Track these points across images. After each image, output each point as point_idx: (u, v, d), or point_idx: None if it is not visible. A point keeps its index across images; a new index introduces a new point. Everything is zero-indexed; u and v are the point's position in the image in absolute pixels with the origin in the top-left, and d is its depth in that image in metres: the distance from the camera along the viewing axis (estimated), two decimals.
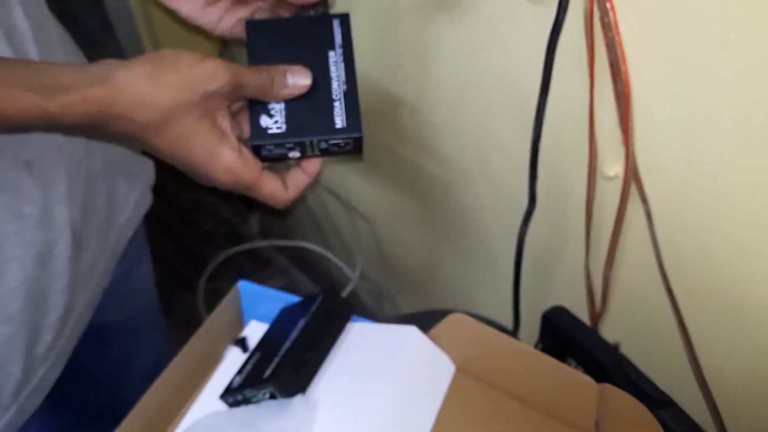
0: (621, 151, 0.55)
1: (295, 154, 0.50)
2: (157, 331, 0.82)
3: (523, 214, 0.65)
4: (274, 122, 0.49)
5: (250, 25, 0.52)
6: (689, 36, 0.48)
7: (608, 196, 0.60)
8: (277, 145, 0.49)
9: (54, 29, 0.55)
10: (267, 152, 0.49)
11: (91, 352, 0.63)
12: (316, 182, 0.57)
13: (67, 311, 0.56)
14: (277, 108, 0.49)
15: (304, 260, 1.31)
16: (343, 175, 1.06)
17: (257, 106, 0.49)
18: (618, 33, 0.51)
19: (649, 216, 0.57)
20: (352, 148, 0.50)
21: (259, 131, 0.49)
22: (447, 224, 0.88)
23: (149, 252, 0.75)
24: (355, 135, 0.49)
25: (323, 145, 0.49)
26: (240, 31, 0.53)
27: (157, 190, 0.69)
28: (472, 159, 0.76)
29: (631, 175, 0.56)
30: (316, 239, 1.27)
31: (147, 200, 0.67)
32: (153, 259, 0.76)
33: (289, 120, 0.49)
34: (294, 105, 0.50)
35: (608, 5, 0.50)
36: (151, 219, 0.69)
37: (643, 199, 0.57)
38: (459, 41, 0.68)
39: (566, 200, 0.65)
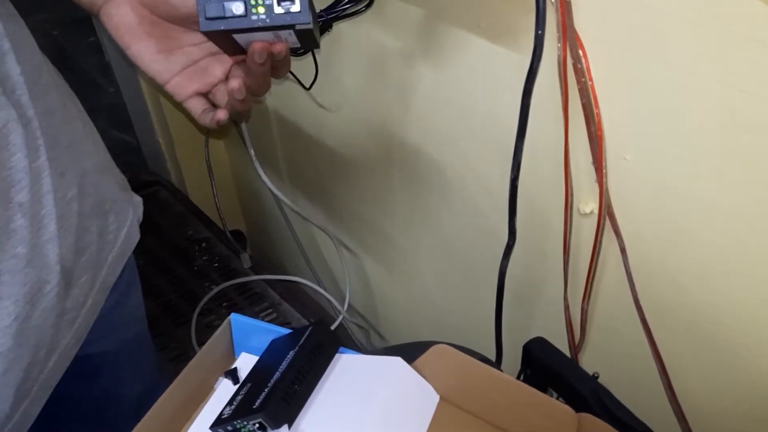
0: (595, 188, 0.57)
1: (238, 6, 0.47)
2: (145, 361, 0.80)
3: (504, 249, 0.66)
4: None
5: None
6: (656, 82, 0.50)
7: (584, 231, 0.62)
8: None
9: (48, 74, 0.55)
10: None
11: (77, 383, 0.62)
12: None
13: (52, 346, 0.56)
14: None
15: (294, 294, 1.31)
16: (333, 212, 1.08)
17: None
18: (590, 78, 0.53)
19: (623, 250, 0.59)
20: (299, 8, 0.47)
21: None
22: (432, 259, 0.90)
23: (139, 283, 0.74)
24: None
25: None
26: (193, 107, 0.52)
27: (153, 227, 0.69)
28: (456, 196, 0.77)
29: (606, 211, 0.58)
30: (306, 274, 1.28)
31: (135, 236, 0.67)
32: (148, 294, 0.75)
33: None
34: None
35: (581, 52, 0.52)
36: (146, 255, 0.68)
37: (617, 234, 0.58)
38: (442, 85, 0.70)
39: (545, 235, 0.67)
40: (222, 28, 0.47)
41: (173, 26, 0.52)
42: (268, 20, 0.47)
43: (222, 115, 0.54)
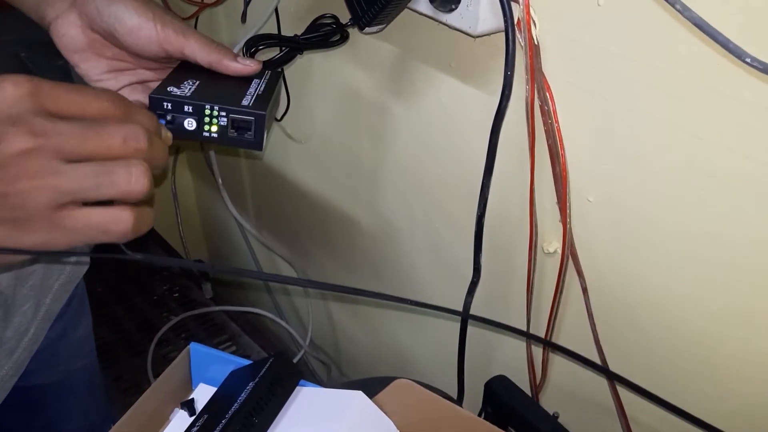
0: (559, 228, 0.58)
1: (191, 123, 0.47)
2: (92, 393, 0.77)
3: (468, 286, 0.66)
4: (179, 90, 0.47)
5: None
6: (620, 127, 0.51)
7: (548, 270, 0.62)
8: (174, 105, 0.46)
9: None
10: (162, 111, 0.46)
11: (16, 415, 0.60)
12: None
13: None
14: (190, 82, 0.48)
15: (255, 327, 1.30)
16: (298, 244, 1.08)
17: (172, 77, 0.49)
18: (556, 120, 0.54)
19: (585, 290, 0.59)
20: (252, 135, 0.47)
21: (161, 90, 0.47)
22: (396, 294, 0.89)
23: (89, 314, 0.72)
24: (258, 112, 0.47)
25: (223, 121, 0.47)
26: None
27: (111, 254, 0.67)
28: (423, 232, 0.78)
29: (569, 251, 0.58)
30: (269, 307, 1.26)
31: (84, 263, 0.65)
32: (104, 322, 0.73)
33: (196, 91, 0.47)
34: (207, 83, 0.48)
35: (548, 95, 0.54)
36: (104, 284, 0.67)
37: (580, 274, 0.59)
38: (412, 121, 0.71)
39: (509, 273, 0.67)
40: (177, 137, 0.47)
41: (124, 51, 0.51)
42: (218, 138, 0.48)
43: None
